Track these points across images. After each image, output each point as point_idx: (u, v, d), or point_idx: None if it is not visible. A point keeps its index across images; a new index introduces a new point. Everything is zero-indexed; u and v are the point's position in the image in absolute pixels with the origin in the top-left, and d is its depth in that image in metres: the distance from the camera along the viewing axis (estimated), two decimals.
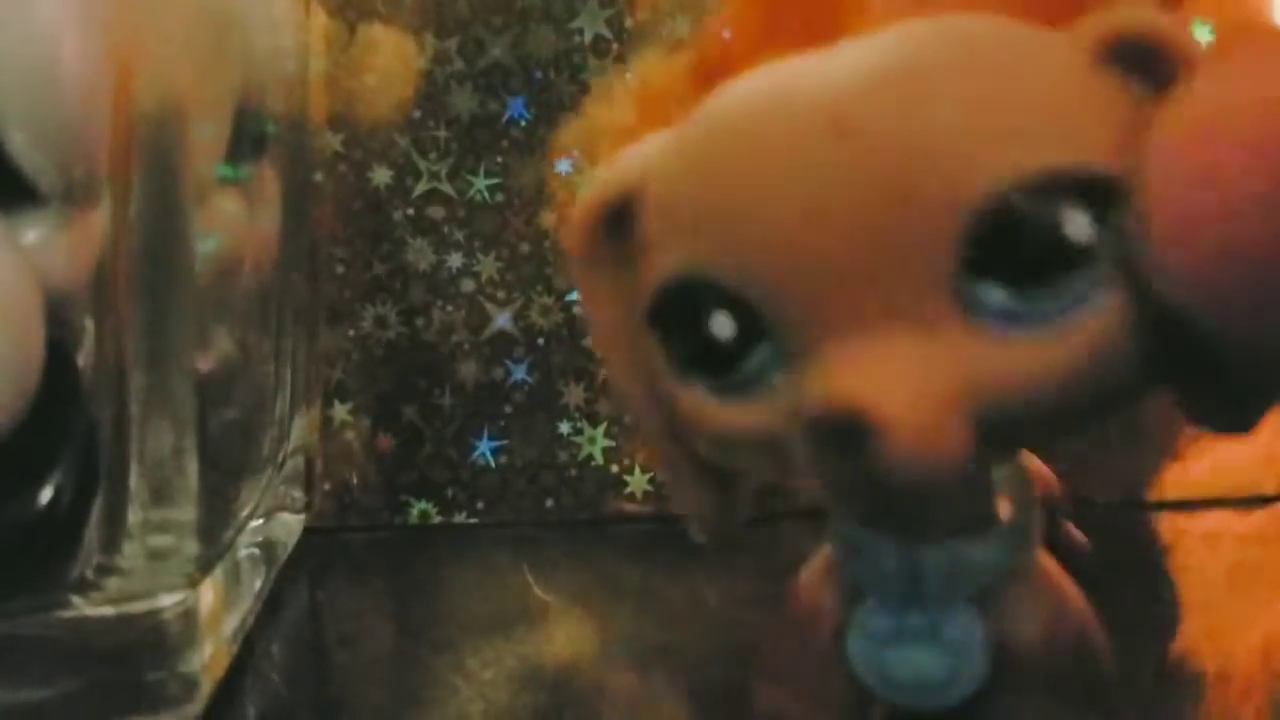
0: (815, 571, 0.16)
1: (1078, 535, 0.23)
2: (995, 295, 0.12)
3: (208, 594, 0.19)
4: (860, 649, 0.15)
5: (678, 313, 0.13)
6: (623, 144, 0.15)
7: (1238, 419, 0.14)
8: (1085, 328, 0.12)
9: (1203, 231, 0.10)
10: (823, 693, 0.16)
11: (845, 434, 0.12)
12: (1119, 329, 0.12)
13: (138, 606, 0.18)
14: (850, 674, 0.15)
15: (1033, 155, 0.11)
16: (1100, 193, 0.11)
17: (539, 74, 0.29)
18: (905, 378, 0.12)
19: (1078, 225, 0.11)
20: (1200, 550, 0.27)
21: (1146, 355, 0.12)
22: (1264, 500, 0.29)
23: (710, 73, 0.14)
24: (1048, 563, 0.16)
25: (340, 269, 0.29)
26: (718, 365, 0.13)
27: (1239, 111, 0.10)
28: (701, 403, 0.13)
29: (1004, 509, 0.15)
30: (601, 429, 0.30)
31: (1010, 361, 0.12)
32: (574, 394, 0.30)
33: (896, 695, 0.15)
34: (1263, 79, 0.10)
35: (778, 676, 0.17)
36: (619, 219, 0.14)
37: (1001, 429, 0.12)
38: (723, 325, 0.13)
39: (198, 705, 0.19)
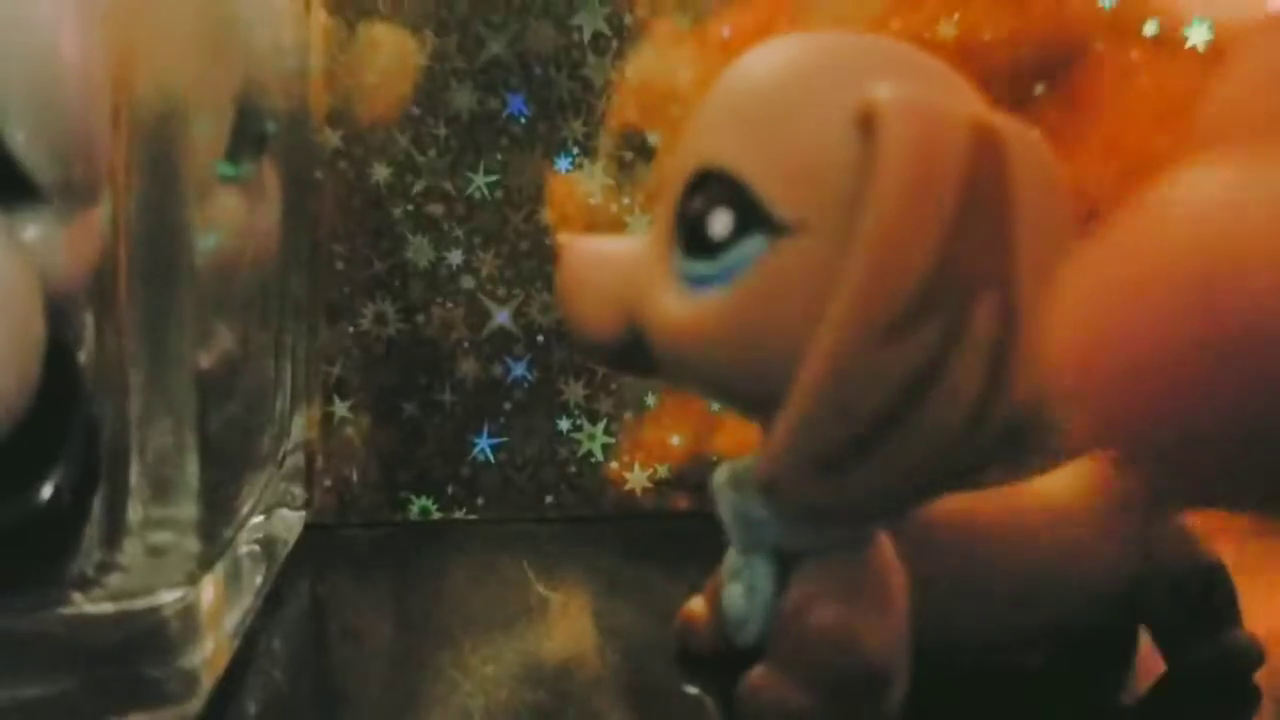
0: None
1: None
2: (679, 250, 0.15)
3: (208, 590, 0.19)
4: (722, 576, 0.18)
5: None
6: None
7: None
8: (701, 311, 0.15)
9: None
10: (716, 611, 0.19)
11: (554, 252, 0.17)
12: (731, 324, 0.15)
13: (138, 603, 0.18)
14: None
15: (721, 160, 0.15)
16: (750, 209, 0.14)
17: (538, 71, 0.29)
18: (583, 248, 0.16)
19: (719, 221, 0.15)
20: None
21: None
22: None
23: None
24: (875, 565, 0.17)
25: (340, 266, 0.29)
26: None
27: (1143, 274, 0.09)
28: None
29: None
30: (601, 426, 0.30)
31: (658, 296, 0.15)
32: (573, 391, 0.30)
33: (723, 623, 0.18)
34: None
35: (702, 594, 0.21)
36: None
37: (647, 353, 0.16)
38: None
39: (198, 701, 0.19)
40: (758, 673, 0.17)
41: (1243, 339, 0.08)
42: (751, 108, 0.15)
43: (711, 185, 0.15)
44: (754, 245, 0.14)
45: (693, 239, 0.15)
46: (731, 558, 0.18)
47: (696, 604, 0.21)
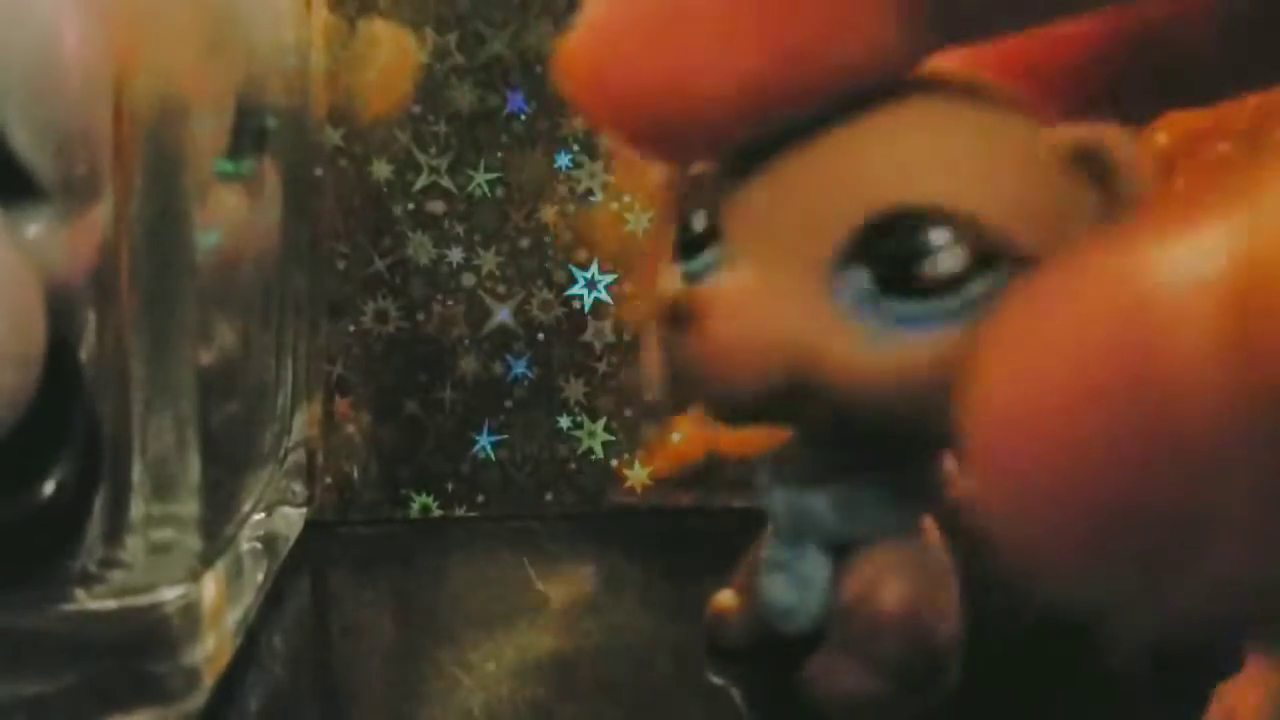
0: None
1: None
2: (858, 285, 0.14)
3: (210, 587, 0.19)
4: (758, 569, 0.18)
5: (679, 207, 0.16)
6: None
7: None
8: (916, 353, 0.14)
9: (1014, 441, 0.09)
10: (749, 604, 0.19)
11: (674, 312, 0.15)
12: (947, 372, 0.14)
13: (140, 600, 0.18)
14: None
15: (939, 194, 0.14)
16: (984, 248, 0.14)
17: (539, 68, 0.29)
18: (740, 299, 0.14)
19: (947, 260, 0.14)
20: None
21: None
22: None
23: None
24: (928, 546, 0.17)
25: (341, 264, 0.29)
26: (687, 252, 0.16)
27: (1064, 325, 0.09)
28: (670, 275, 0.16)
29: (870, 482, 0.17)
30: (601, 424, 0.30)
31: (834, 341, 0.14)
32: (574, 389, 0.30)
33: (764, 615, 0.18)
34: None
35: (733, 585, 0.20)
36: None
37: (805, 394, 0.15)
38: (699, 220, 0.16)
39: (200, 698, 0.19)
40: (820, 660, 0.18)
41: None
42: (948, 142, 0.14)
43: (923, 223, 0.14)
44: (993, 280, 0.14)
45: (896, 280, 0.14)
46: (771, 548, 0.18)
47: (726, 596, 0.21)
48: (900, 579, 0.17)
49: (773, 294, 0.15)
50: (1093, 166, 0.14)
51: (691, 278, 0.15)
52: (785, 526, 0.18)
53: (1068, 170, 0.14)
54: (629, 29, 0.13)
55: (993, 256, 0.14)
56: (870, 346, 0.14)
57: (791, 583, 0.18)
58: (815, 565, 0.17)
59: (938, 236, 0.14)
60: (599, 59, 0.13)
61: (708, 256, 0.15)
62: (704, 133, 0.13)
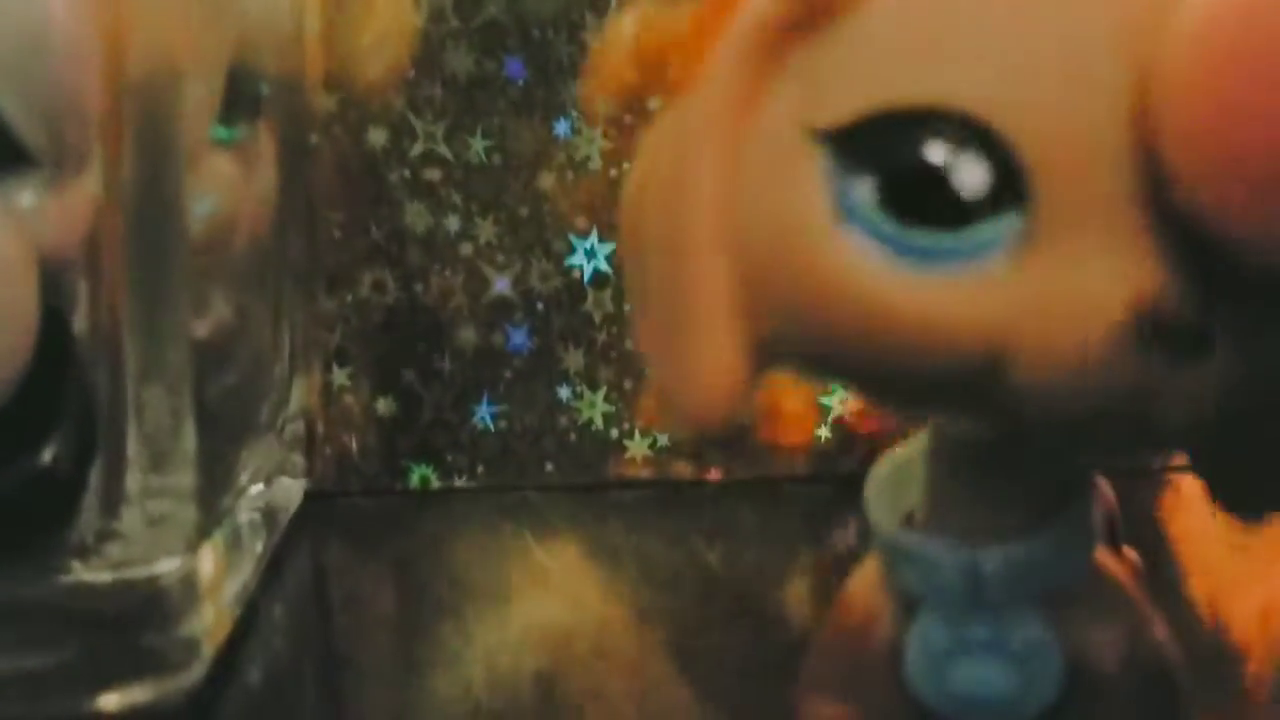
0: (866, 580, 0.15)
1: (1133, 558, 0.21)
2: None
3: (207, 559, 0.19)
4: (919, 663, 0.14)
5: (894, 141, 0.10)
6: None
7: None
8: None
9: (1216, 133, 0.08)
10: (879, 710, 0.15)
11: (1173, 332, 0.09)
12: None
13: (137, 572, 0.18)
14: (909, 691, 0.14)
15: None
16: None
17: (537, 33, 0.28)
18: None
19: None
20: (1203, 515, 0.27)
21: None
22: None
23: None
24: (1119, 571, 0.14)
25: (337, 233, 0.29)
26: (941, 219, 0.10)
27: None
28: (871, 265, 0.10)
29: (1064, 505, 0.14)
30: (601, 394, 0.30)
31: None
32: (573, 359, 0.29)
33: (961, 712, 0.14)
34: None
35: (829, 691, 0.15)
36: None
37: None
38: (975, 173, 0.10)
39: (198, 670, 0.19)
40: None
41: None
42: None
43: None
44: None
45: None
46: (930, 634, 0.14)
47: (826, 712, 0.15)
48: (1140, 619, 0.14)
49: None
50: None
51: (936, 257, 0.10)
52: (995, 592, 0.13)
53: None
54: None
55: None
56: None
57: (1007, 664, 0.13)
58: (1037, 634, 0.13)
59: None
60: None
61: (995, 228, 0.10)
62: None
